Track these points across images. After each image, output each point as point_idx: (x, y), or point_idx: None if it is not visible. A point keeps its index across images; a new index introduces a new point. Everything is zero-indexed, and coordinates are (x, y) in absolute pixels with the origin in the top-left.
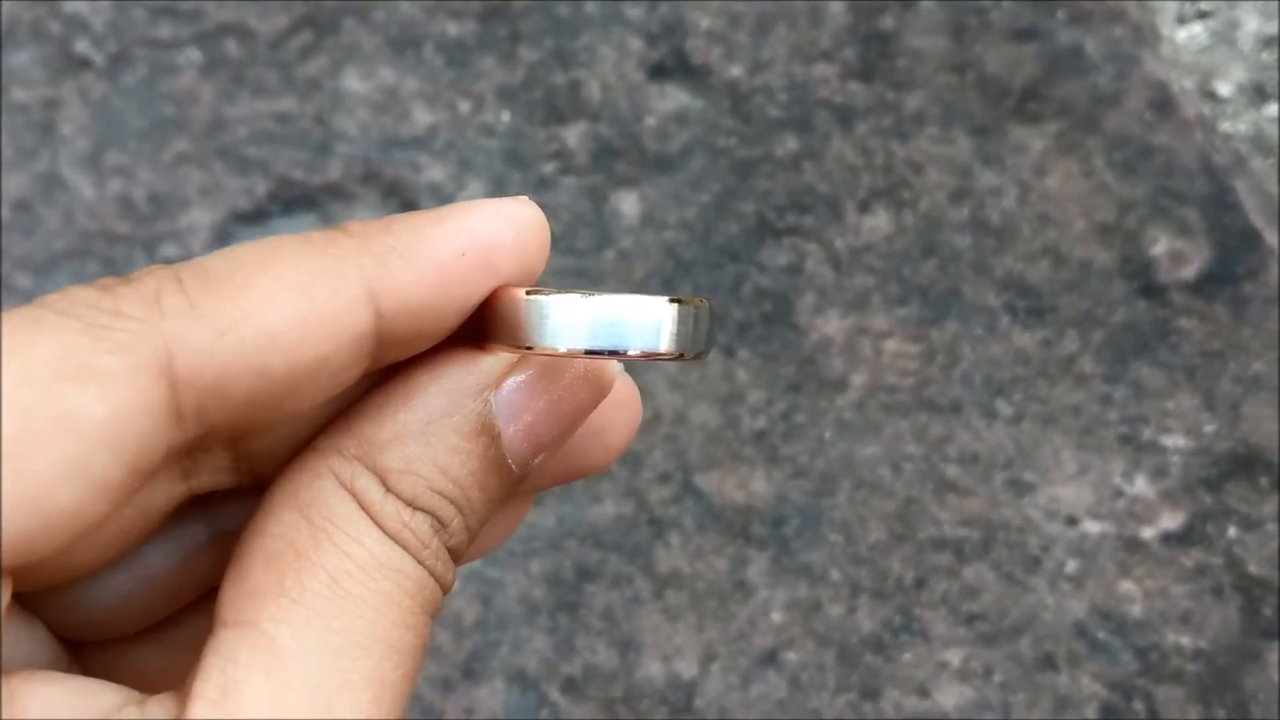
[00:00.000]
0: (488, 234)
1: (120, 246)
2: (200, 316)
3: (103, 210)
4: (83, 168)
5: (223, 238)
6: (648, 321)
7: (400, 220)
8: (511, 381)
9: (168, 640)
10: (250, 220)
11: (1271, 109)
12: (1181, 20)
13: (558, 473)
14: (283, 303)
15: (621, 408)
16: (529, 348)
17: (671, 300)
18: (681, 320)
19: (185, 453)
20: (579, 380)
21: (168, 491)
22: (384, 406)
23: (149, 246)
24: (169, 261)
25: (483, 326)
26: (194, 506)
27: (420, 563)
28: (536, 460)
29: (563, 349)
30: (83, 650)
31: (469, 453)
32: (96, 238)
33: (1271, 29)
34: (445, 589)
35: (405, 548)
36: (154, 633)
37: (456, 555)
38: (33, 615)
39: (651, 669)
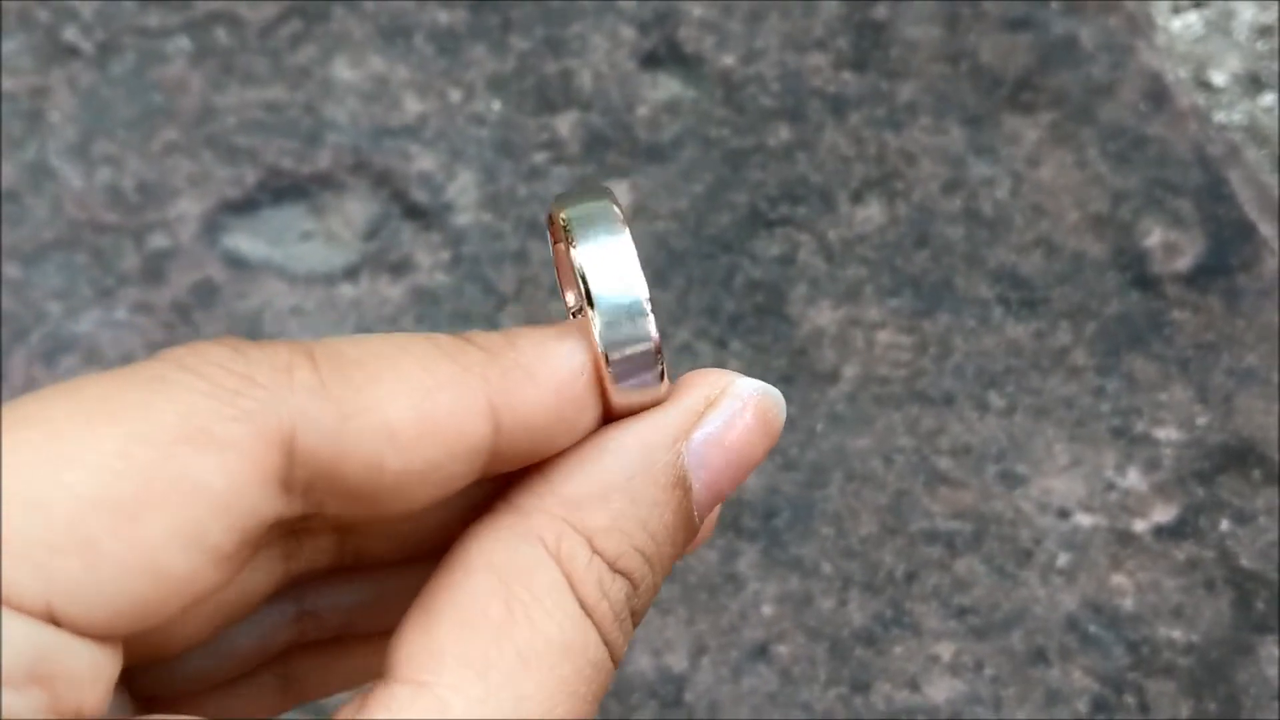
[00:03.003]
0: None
1: (109, 236)
2: (328, 397)
3: (91, 200)
4: (71, 157)
5: (212, 227)
6: (604, 220)
7: (523, 335)
8: (701, 432)
9: (233, 692)
10: (239, 210)
11: (1266, 99)
12: (1176, 10)
13: None
14: (407, 402)
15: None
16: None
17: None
18: (587, 202)
19: (291, 533)
20: (755, 427)
21: (269, 572)
22: (577, 461)
23: (137, 236)
24: (157, 251)
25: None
26: (285, 586)
27: (605, 641)
28: (710, 513)
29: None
30: (148, 702)
31: (665, 506)
32: (85, 227)
33: (1266, 18)
34: (617, 665)
35: (597, 624)
36: (220, 686)
37: (636, 620)
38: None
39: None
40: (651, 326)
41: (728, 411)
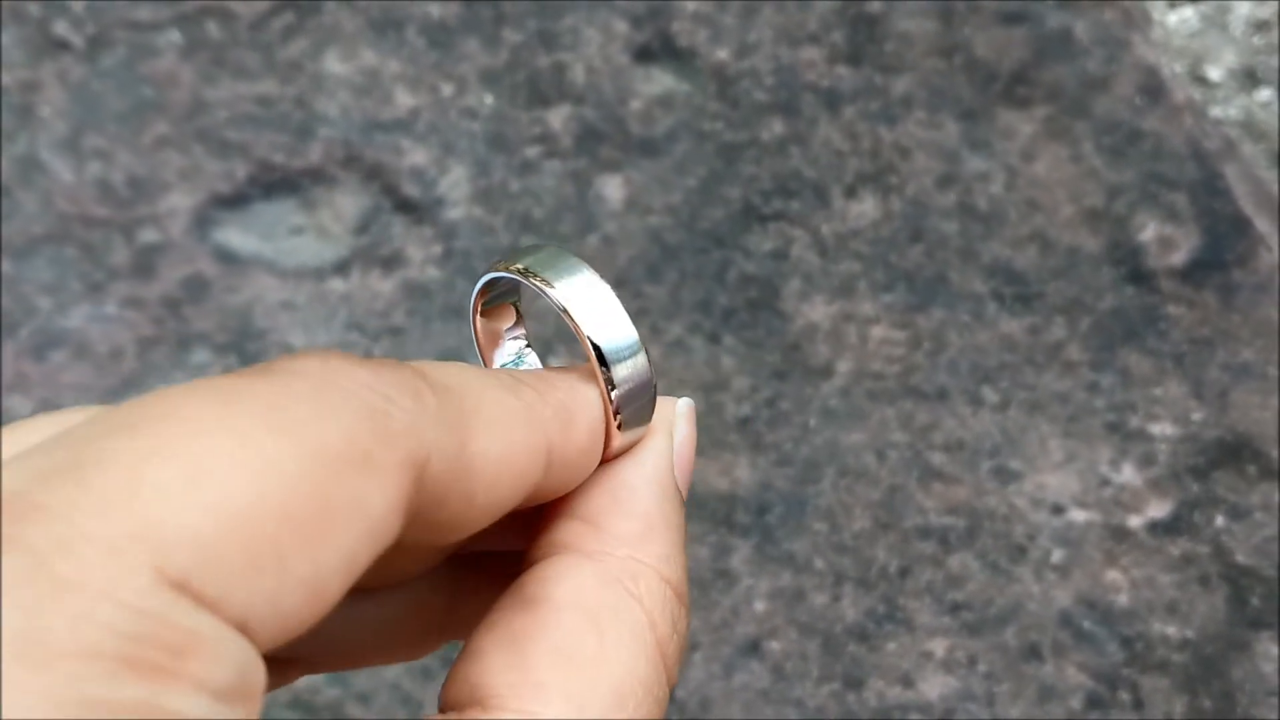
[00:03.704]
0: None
1: (99, 230)
2: (451, 425)
3: (81, 194)
4: (61, 150)
5: (202, 222)
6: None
7: (558, 377)
8: (679, 452)
9: None
10: (230, 204)
11: (1262, 94)
12: (1172, 4)
13: None
14: (500, 435)
15: None
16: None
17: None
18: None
19: None
20: (693, 435)
21: None
22: (612, 500)
23: (127, 230)
24: (147, 245)
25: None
26: None
27: (668, 678)
28: None
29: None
30: None
31: (681, 526)
32: (75, 221)
33: (1263, 13)
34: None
35: (664, 659)
36: None
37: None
38: None
39: None
40: (649, 368)
41: (684, 429)
